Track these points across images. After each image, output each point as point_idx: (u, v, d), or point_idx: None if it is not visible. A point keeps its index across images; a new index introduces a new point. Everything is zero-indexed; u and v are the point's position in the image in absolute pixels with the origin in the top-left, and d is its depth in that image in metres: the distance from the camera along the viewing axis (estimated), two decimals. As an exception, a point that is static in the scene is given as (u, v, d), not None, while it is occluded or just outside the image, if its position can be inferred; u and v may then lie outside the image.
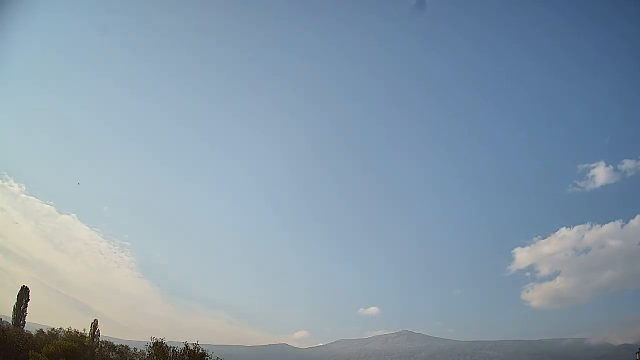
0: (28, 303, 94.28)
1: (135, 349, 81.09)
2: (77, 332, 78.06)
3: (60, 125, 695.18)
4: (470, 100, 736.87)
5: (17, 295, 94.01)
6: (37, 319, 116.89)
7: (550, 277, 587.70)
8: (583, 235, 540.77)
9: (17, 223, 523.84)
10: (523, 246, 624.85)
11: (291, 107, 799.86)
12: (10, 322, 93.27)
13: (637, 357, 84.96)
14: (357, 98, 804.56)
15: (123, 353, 79.01)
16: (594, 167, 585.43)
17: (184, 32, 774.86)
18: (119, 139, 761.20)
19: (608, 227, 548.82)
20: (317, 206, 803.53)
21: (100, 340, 77.76)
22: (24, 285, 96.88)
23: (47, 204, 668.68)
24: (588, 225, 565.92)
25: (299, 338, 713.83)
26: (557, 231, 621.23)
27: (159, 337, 59.07)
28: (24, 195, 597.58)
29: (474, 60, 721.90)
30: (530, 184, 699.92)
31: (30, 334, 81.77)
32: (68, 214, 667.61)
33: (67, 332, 79.50)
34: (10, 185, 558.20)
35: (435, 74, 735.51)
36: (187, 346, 57.81)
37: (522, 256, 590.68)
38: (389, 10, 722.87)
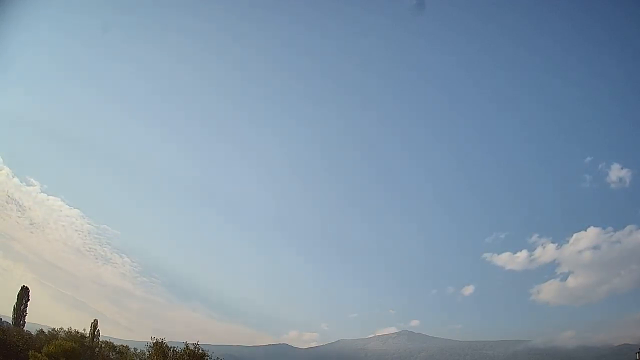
0: (28, 303, 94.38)
1: (135, 349, 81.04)
2: (77, 332, 78.12)
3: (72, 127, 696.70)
4: (475, 100, 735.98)
5: (17, 295, 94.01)
6: (37, 319, 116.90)
7: (556, 277, 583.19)
8: (594, 237, 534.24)
9: (32, 224, 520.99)
10: (529, 247, 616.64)
11: (294, 107, 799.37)
12: (11, 322, 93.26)
13: (637, 357, 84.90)
14: (360, 98, 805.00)
15: (123, 353, 78.99)
16: (609, 167, 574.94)
17: (192, 30, 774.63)
18: (129, 139, 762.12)
19: (627, 228, 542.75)
20: (319, 205, 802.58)
21: (100, 340, 77.78)
22: (24, 285, 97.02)
23: (69, 206, 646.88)
24: (602, 227, 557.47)
25: (299, 338, 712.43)
26: (564, 233, 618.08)
27: (159, 337, 59.06)
28: (43, 194, 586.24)
29: (477, 60, 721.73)
30: (535, 184, 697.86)
31: (30, 334, 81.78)
32: (93, 218, 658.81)
33: (67, 332, 79.54)
34: (30, 185, 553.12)
35: (439, 73, 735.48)
36: (187, 346, 57.74)
37: (527, 256, 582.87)
38: (392, 10, 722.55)
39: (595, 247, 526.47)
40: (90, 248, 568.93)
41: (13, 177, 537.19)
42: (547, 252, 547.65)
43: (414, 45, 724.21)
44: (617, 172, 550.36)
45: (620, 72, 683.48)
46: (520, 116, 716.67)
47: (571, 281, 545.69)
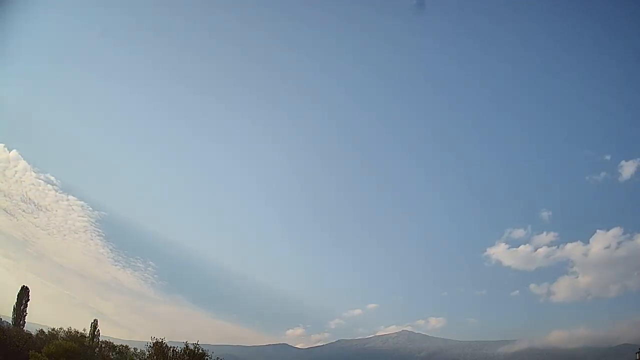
0: (28, 303, 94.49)
1: (135, 349, 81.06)
2: (77, 332, 78.21)
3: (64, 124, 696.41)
4: (474, 100, 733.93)
5: (17, 295, 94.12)
6: (37, 319, 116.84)
7: (561, 277, 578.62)
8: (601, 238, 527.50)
9: (48, 224, 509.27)
10: (535, 244, 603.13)
11: (292, 106, 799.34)
12: (10, 322, 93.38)
13: (637, 357, 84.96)
14: (359, 97, 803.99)
15: (123, 353, 79.05)
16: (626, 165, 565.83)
17: (186, 31, 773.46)
18: (124, 140, 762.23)
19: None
20: (317, 204, 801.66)
21: (100, 340, 77.86)
22: (24, 286, 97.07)
23: (91, 208, 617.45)
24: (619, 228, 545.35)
25: (299, 338, 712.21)
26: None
27: (159, 337, 59.22)
28: (62, 194, 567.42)
29: (477, 59, 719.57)
30: (536, 181, 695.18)
31: (30, 334, 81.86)
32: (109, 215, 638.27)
33: (67, 332, 79.62)
34: (49, 183, 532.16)
35: (439, 73, 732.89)
36: (187, 346, 57.90)
37: (532, 254, 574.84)
38: (392, 9, 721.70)
39: (609, 247, 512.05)
40: (112, 249, 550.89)
41: (31, 172, 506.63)
42: (554, 251, 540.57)
43: (418, 44, 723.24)
44: (632, 170, 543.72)
45: (619, 69, 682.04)
46: (533, 116, 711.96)
47: (576, 281, 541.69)
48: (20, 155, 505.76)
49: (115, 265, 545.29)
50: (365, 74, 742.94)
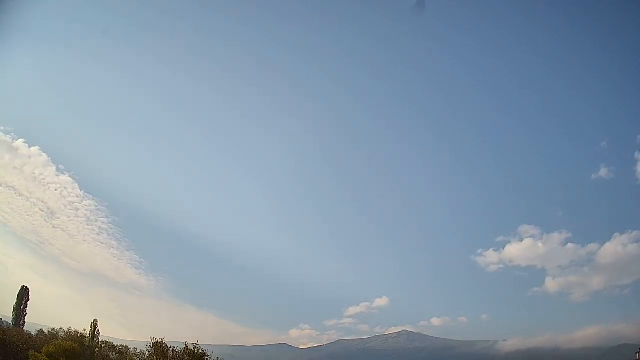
0: (28, 303, 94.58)
1: (135, 349, 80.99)
2: (77, 332, 78.17)
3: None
4: (473, 99, 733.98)
5: (17, 295, 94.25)
6: (37, 319, 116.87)
7: (563, 277, 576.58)
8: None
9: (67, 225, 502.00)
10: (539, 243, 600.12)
11: (294, 106, 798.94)
12: (10, 322, 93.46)
13: (637, 357, 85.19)
14: (360, 97, 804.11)
15: (123, 353, 78.95)
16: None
17: (187, 31, 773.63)
18: (122, 138, 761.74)
19: None
20: (319, 203, 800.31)
21: (100, 340, 77.84)
22: (23, 285, 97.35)
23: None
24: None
25: (299, 338, 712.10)
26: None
27: (159, 337, 59.22)
28: (86, 192, 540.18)
29: (477, 59, 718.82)
30: (534, 179, 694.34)
31: (30, 334, 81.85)
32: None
33: (67, 332, 79.60)
34: (75, 181, 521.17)
35: (438, 73, 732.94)
36: (187, 346, 57.88)
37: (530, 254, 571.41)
38: (392, 9, 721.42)
39: (625, 246, 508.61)
40: (119, 245, 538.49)
41: (53, 170, 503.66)
42: (566, 250, 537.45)
43: (417, 44, 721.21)
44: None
45: (619, 70, 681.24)
46: (536, 116, 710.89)
47: (586, 280, 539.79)
48: (42, 152, 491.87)
49: (132, 269, 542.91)
50: (367, 73, 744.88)
